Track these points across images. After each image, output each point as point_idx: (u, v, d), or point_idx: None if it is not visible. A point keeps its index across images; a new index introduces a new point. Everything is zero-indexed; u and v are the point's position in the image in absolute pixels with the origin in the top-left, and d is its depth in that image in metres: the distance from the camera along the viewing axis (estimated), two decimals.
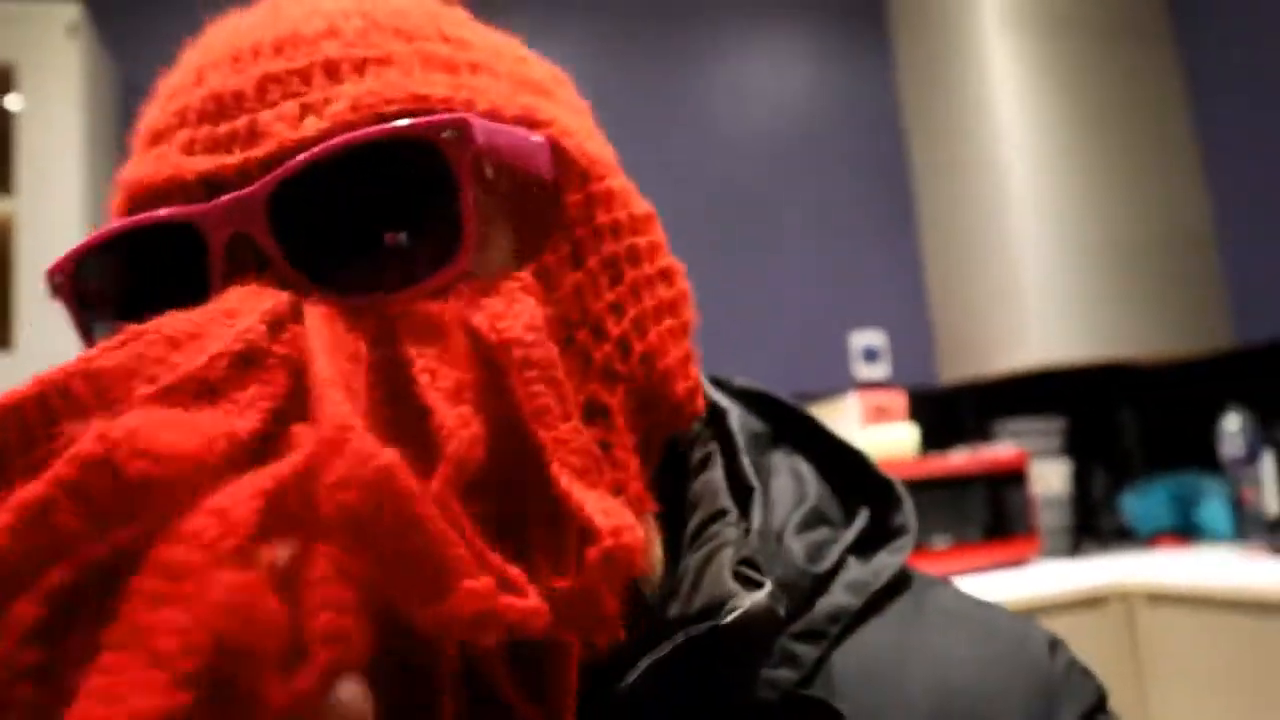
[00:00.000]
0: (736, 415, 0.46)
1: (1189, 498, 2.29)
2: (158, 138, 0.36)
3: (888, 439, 2.17)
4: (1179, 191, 2.50)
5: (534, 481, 0.29)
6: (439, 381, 0.29)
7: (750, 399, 0.49)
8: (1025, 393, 2.56)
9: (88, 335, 0.36)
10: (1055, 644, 0.44)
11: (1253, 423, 2.08)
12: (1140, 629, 1.86)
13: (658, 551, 0.39)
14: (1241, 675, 1.68)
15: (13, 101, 1.86)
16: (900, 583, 0.44)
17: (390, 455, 0.23)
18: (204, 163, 0.34)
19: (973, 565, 2.06)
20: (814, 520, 0.44)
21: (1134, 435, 2.65)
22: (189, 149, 0.34)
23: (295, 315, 0.29)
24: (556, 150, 0.37)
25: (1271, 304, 2.36)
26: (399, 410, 0.28)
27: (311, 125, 0.33)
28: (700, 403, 0.41)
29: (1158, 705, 1.82)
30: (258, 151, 0.33)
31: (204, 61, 0.37)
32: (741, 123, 2.67)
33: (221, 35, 0.38)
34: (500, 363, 0.31)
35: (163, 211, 0.33)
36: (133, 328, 0.27)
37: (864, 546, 0.45)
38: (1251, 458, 2.05)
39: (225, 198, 0.32)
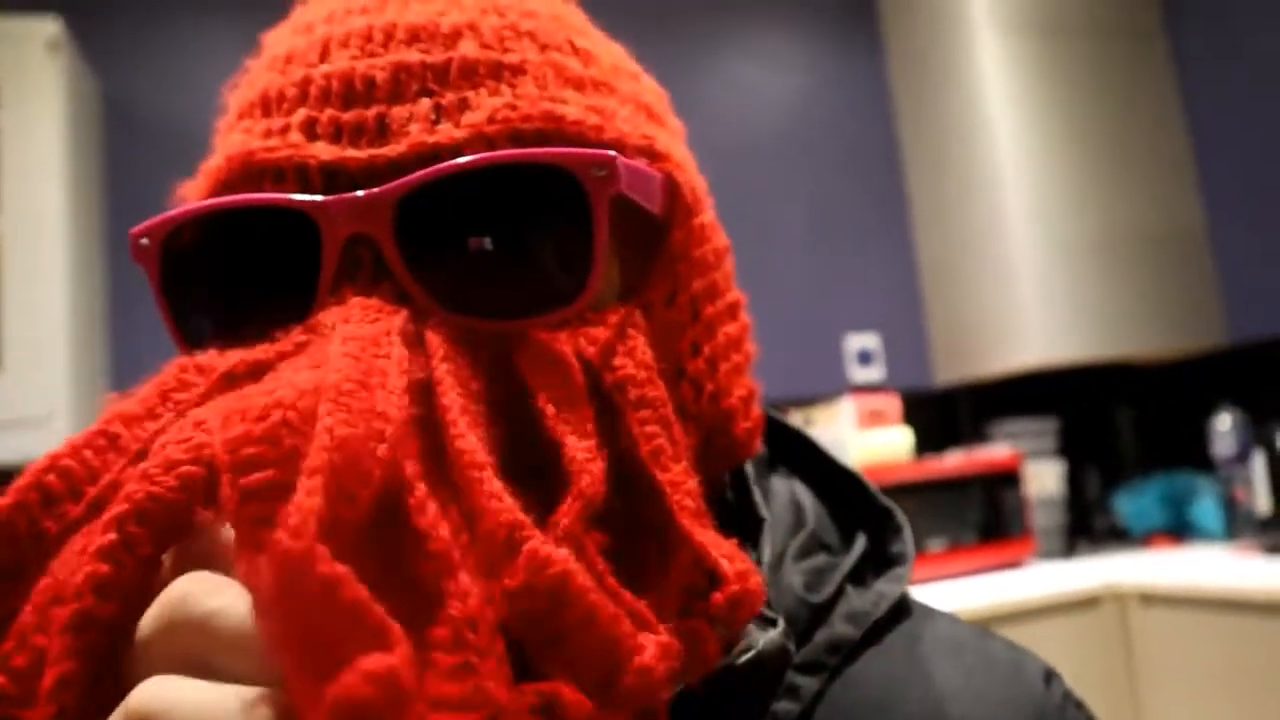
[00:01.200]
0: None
1: (1182, 497, 2.29)
2: (272, 106, 0.35)
3: (882, 443, 2.17)
4: (1171, 191, 2.50)
5: (650, 523, 0.29)
6: (564, 414, 0.29)
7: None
8: (1019, 393, 2.56)
9: (169, 305, 0.35)
10: (1051, 675, 0.44)
11: (1244, 422, 2.08)
12: (1133, 630, 1.86)
13: None
14: (1234, 675, 1.67)
15: None
16: (899, 612, 0.44)
17: (564, 558, 0.23)
18: (327, 150, 0.33)
19: (968, 568, 2.06)
20: (812, 547, 0.44)
21: (1128, 435, 2.65)
22: (309, 130, 0.33)
23: (420, 337, 0.29)
24: (670, 184, 0.36)
25: (1263, 303, 2.36)
26: (522, 444, 0.28)
27: (446, 132, 0.32)
28: (756, 444, 0.41)
29: (1151, 706, 1.82)
30: (388, 151, 0.32)
31: (329, 32, 0.35)
32: (734, 125, 2.67)
33: (344, 2, 0.36)
34: (617, 402, 0.31)
35: (280, 196, 0.32)
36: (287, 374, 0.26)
37: (862, 573, 0.45)
38: (1243, 457, 2.05)
39: (351, 195, 0.31)
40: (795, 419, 2.25)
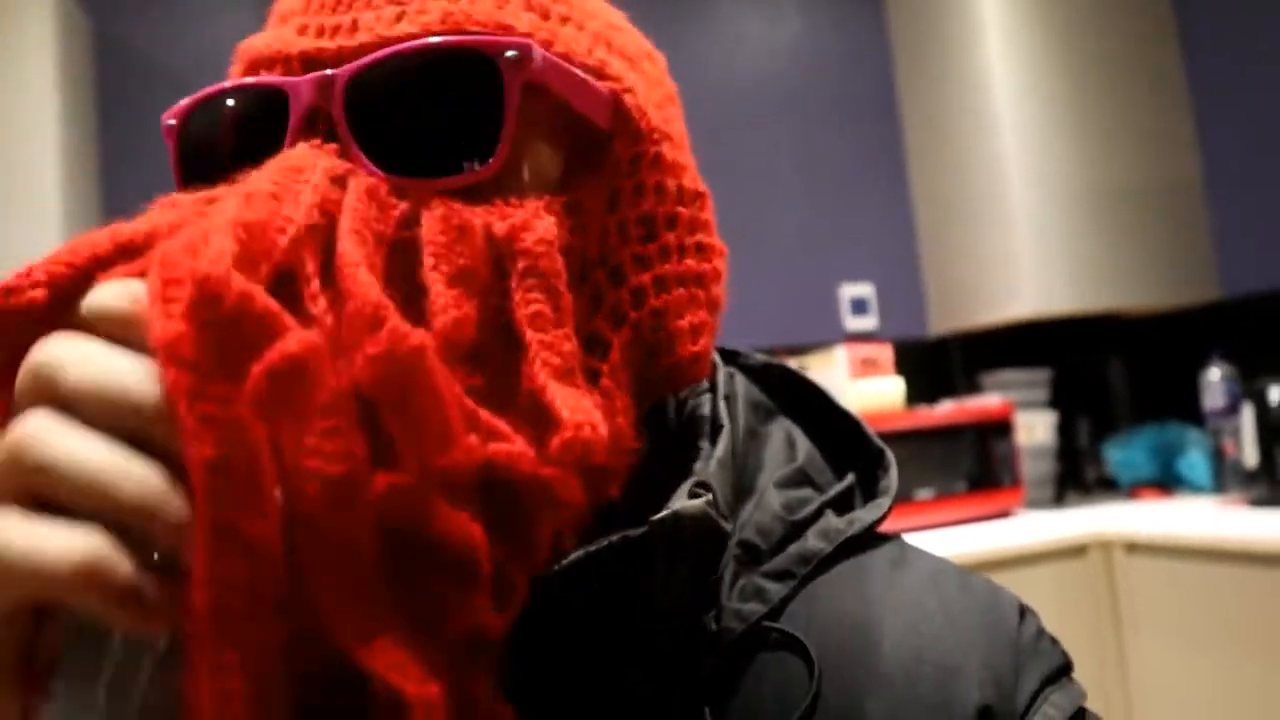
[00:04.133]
0: (741, 384, 0.49)
1: (1171, 449, 2.31)
2: (284, 17, 0.42)
3: (875, 392, 2.18)
4: (1168, 144, 2.49)
5: (519, 374, 0.33)
6: (441, 266, 0.33)
7: (764, 373, 0.52)
8: (1013, 344, 2.57)
9: (181, 172, 0.41)
10: (1025, 610, 0.46)
11: (1235, 375, 2.10)
12: (1118, 578, 1.89)
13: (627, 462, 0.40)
14: (1216, 623, 1.71)
15: None
16: (879, 538, 0.46)
17: (421, 336, 0.28)
18: (308, 43, 0.39)
19: (958, 516, 2.09)
20: (798, 480, 0.46)
21: (1119, 386, 2.67)
22: (302, 31, 0.40)
23: (343, 181, 0.34)
24: (616, 103, 0.41)
25: (1257, 258, 2.37)
26: (403, 286, 0.32)
27: (401, 29, 0.38)
28: (702, 371, 0.44)
29: (1134, 651, 1.86)
30: (352, 41, 0.39)
31: None
32: (732, 73, 2.65)
33: None
34: (506, 267, 0.35)
35: (262, 78, 0.39)
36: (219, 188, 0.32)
37: (846, 505, 0.47)
38: (1232, 410, 2.07)
39: (313, 75, 0.38)
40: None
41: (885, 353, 2.26)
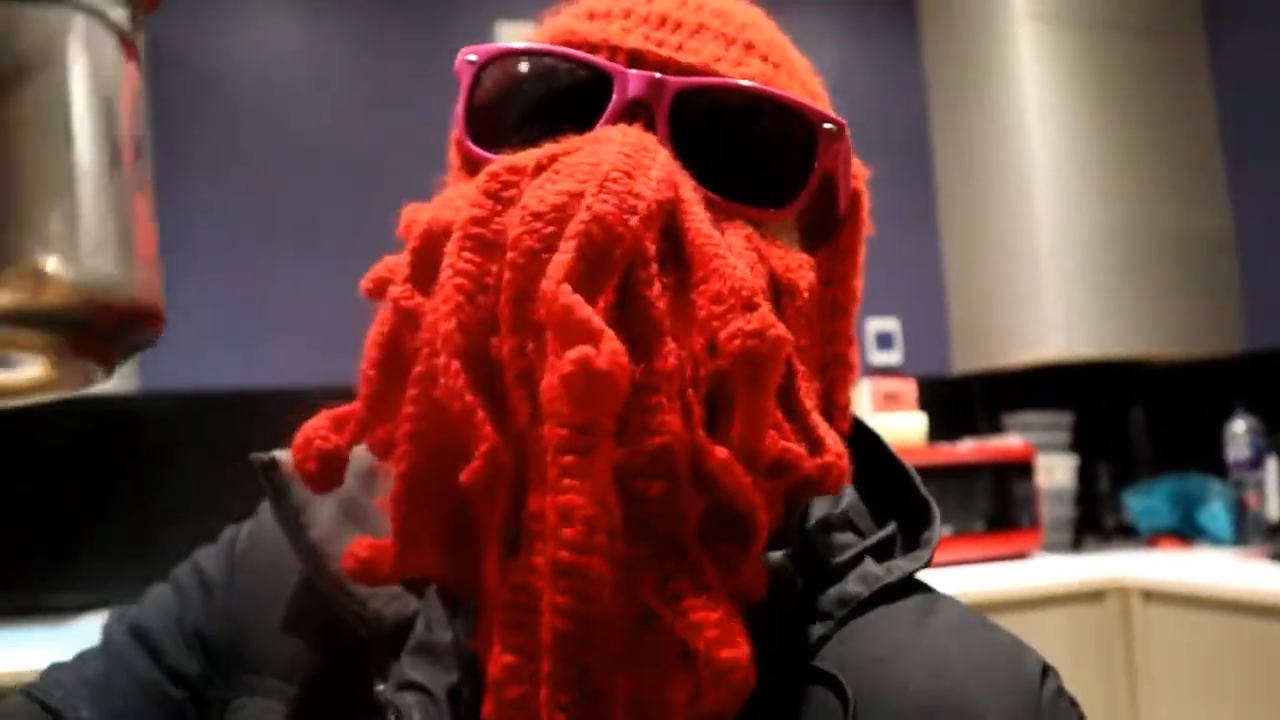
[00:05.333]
0: None
1: (1191, 499, 2.29)
2: (596, 14, 0.45)
3: (897, 426, 2.18)
4: (1201, 194, 2.49)
5: (785, 395, 0.37)
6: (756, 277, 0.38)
7: None
8: (1036, 386, 2.57)
9: (470, 108, 0.44)
10: (1048, 669, 0.46)
11: (1259, 428, 2.09)
12: (1135, 625, 1.87)
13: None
14: (1231, 675, 1.69)
15: None
16: (915, 587, 0.48)
17: (785, 329, 0.34)
18: (638, 42, 0.43)
19: (974, 556, 2.08)
20: (841, 524, 0.48)
21: (1141, 434, 2.65)
22: (627, 31, 0.44)
23: (675, 168, 0.38)
24: (855, 199, 0.48)
25: None
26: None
27: (726, 69, 0.43)
28: (846, 426, 0.48)
29: (1148, 701, 1.84)
30: (682, 57, 0.43)
31: None
32: None
33: None
34: (783, 300, 0.40)
35: (592, 57, 0.42)
36: (567, 152, 0.37)
37: (885, 553, 0.48)
38: (1256, 462, 2.05)
39: (647, 72, 0.41)
40: None
41: (909, 388, 2.26)
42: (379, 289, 0.40)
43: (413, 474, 0.34)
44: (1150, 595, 1.86)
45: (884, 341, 2.66)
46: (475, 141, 0.44)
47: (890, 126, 2.78)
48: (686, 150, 0.40)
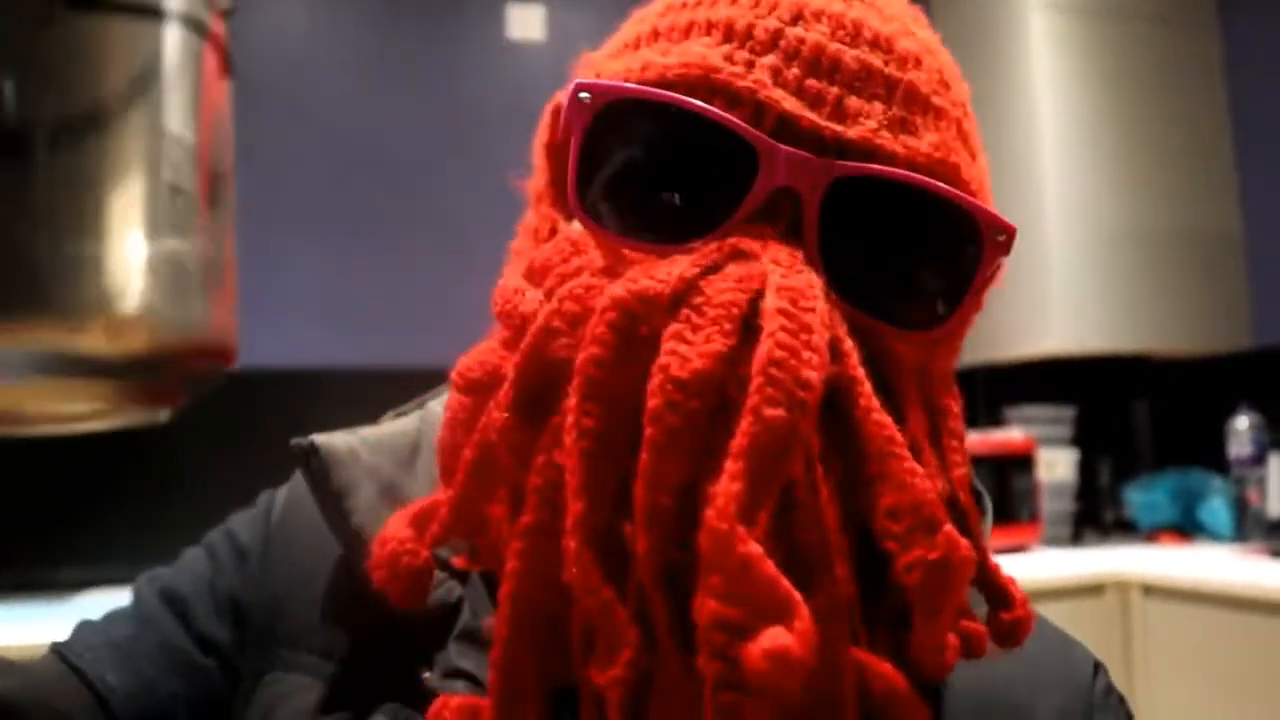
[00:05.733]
0: None
1: (1193, 494, 2.29)
2: (738, 36, 0.37)
3: None
4: (1210, 189, 2.48)
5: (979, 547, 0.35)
6: (919, 424, 0.35)
7: None
8: (1039, 379, 2.56)
9: (581, 164, 0.38)
10: (1099, 665, 0.46)
11: (1262, 425, 2.08)
12: (1134, 620, 1.87)
13: None
14: (1230, 670, 1.69)
15: None
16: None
17: (969, 545, 0.30)
18: (790, 102, 0.36)
19: None
20: None
21: (1143, 429, 2.65)
22: (775, 76, 0.36)
23: (832, 302, 0.33)
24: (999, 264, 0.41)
25: None
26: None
27: (890, 142, 0.36)
28: None
29: (1146, 694, 1.84)
30: (843, 129, 0.36)
31: (805, 1, 0.38)
32: None
33: None
34: (937, 424, 0.37)
35: (743, 125, 0.35)
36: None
37: None
38: (1258, 459, 2.05)
39: (803, 152, 0.35)
40: None
41: None
42: (472, 391, 0.36)
43: (514, 642, 0.31)
44: (1150, 590, 1.85)
45: None
46: (587, 209, 0.37)
47: None
48: (841, 257, 0.35)
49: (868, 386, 0.32)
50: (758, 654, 0.26)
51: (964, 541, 0.30)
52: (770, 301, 0.31)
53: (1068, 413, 2.45)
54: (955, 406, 0.41)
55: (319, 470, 0.44)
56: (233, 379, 1.86)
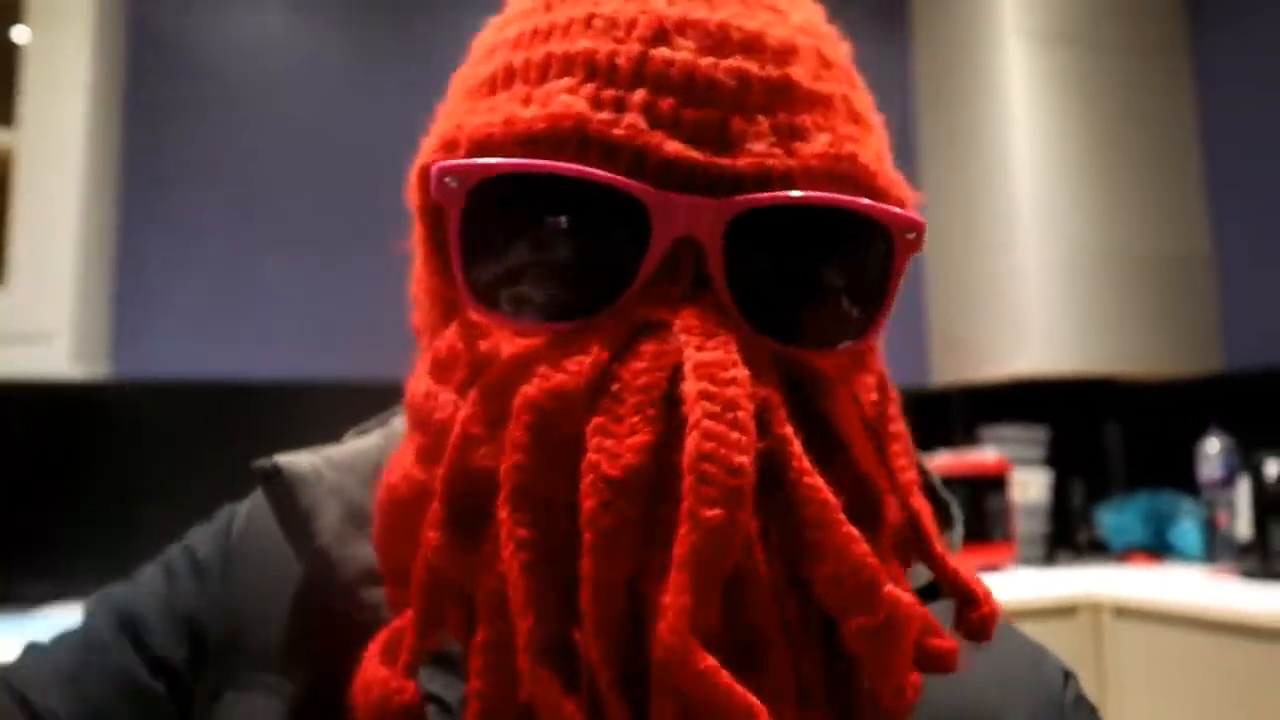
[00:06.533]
0: None
1: (1164, 516, 2.31)
2: (601, 73, 0.34)
3: None
4: (1181, 213, 2.51)
5: (910, 544, 0.34)
6: (861, 449, 0.33)
7: None
8: (1013, 400, 2.58)
9: (466, 254, 0.34)
10: (1069, 674, 0.46)
11: (1233, 447, 2.10)
12: (1106, 641, 1.88)
13: None
14: (1202, 692, 1.70)
15: (19, 34, 1.84)
16: (937, 591, 0.46)
17: (910, 602, 0.30)
18: (671, 145, 0.33)
19: None
20: None
21: (1116, 450, 2.67)
22: (650, 115, 0.33)
23: (752, 361, 0.31)
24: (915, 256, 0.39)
25: (1262, 332, 2.38)
26: (830, 465, 0.32)
27: (782, 159, 0.34)
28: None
29: (1117, 715, 1.85)
30: (732, 162, 0.33)
31: (663, 12, 0.35)
32: None
33: None
34: (879, 435, 0.35)
35: (625, 180, 0.32)
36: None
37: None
38: (1228, 482, 2.07)
39: (693, 197, 0.32)
40: None
41: None
42: (398, 512, 0.35)
43: None
44: (1122, 611, 1.86)
45: None
46: (485, 300, 0.34)
47: None
48: (753, 297, 0.33)
49: (797, 446, 0.30)
50: None
51: (905, 598, 0.30)
52: (690, 386, 0.29)
53: (1041, 434, 2.47)
54: (894, 409, 0.39)
55: (283, 491, 0.43)
56: (208, 390, 1.84)
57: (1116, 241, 2.42)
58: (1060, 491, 2.46)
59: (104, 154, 2.01)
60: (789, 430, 0.30)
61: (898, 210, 0.36)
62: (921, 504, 0.35)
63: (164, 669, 0.46)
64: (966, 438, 2.57)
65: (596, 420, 0.30)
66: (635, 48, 0.34)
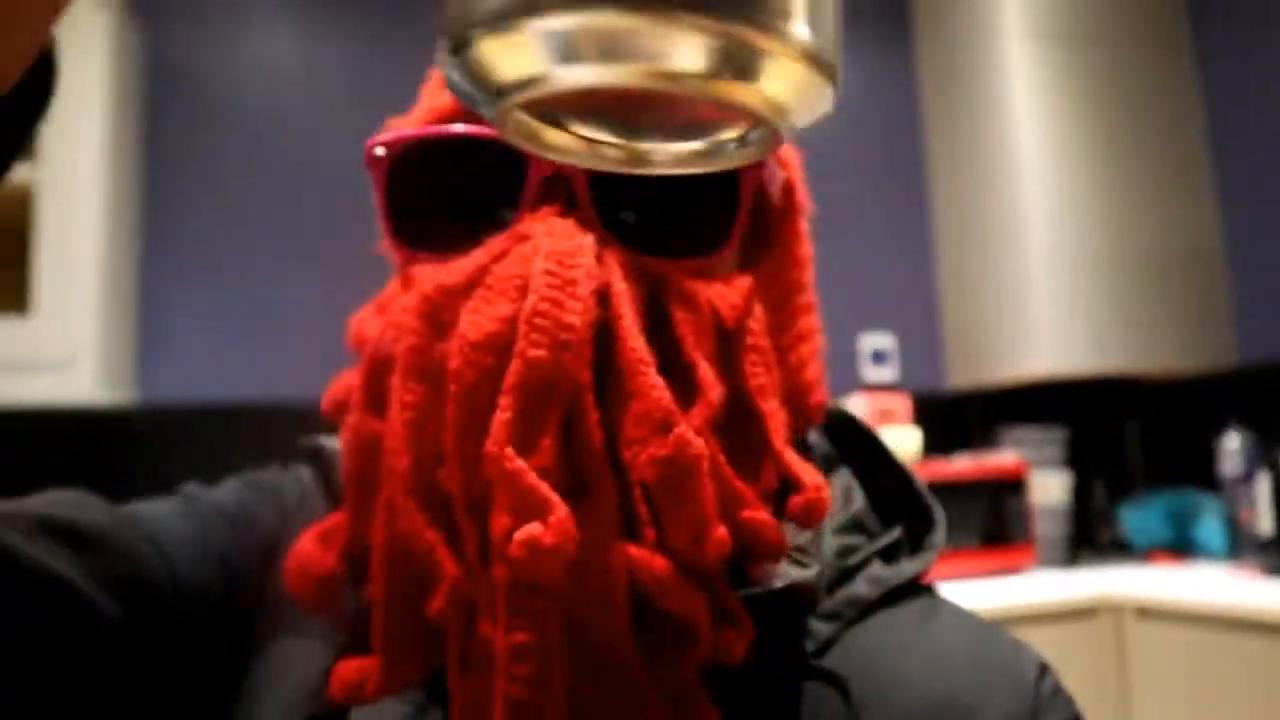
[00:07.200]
0: (813, 436, 0.53)
1: (1186, 514, 2.30)
2: None
3: (891, 442, 2.18)
4: (1191, 209, 2.50)
5: (750, 441, 0.39)
6: (701, 345, 0.38)
7: (832, 420, 0.54)
8: (1031, 402, 2.57)
9: (390, 207, 0.43)
10: (1045, 667, 0.47)
11: (1252, 443, 2.09)
12: (1128, 642, 1.87)
13: None
14: (1225, 692, 1.69)
15: None
16: (920, 590, 0.49)
17: (701, 445, 0.34)
18: None
19: (967, 571, 2.08)
20: (851, 527, 0.49)
21: (1135, 449, 2.66)
22: None
23: (602, 258, 0.38)
24: (789, 186, 0.47)
25: (1277, 325, 2.37)
26: (666, 358, 0.37)
27: None
28: (820, 416, 0.49)
29: (1140, 717, 1.84)
30: None
31: None
32: None
33: None
34: (735, 344, 0.40)
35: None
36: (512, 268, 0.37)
37: (895, 554, 0.50)
38: (1249, 477, 2.06)
39: None
40: None
41: (902, 403, 2.27)
42: (337, 411, 0.41)
43: (389, 602, 0.36)
44: (1144, 611, 1.86)
45: (879, 357, 2.67)
46: (404, 240, 0.43)
47: (885, 146, 2.80)
48: (613, 216, 0.40)
49: (627, 320, 0.36)
50: (514, 545, 0.31)
51: (697, 441, 0.34)
52: (538, 265, 0.36)
53: (1059, 434, 2.47)
54: (757, 326, 0.42)
55: (327, 470, 0.49)
56: (234, 413, 1.85)
57: (1128, 240, 2.42)
58: (1081, 492, 2.46)
59: (124, 183, 2.05)
60: (625, 309, 0.36)
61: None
62: (772, 409, 0.39)
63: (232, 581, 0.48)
64: (984, 441, 2.57)
65: (469, 304, 0.36)
66: None
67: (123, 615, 0.43)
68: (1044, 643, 1.92)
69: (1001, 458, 2.27)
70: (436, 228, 0.42)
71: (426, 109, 0.45)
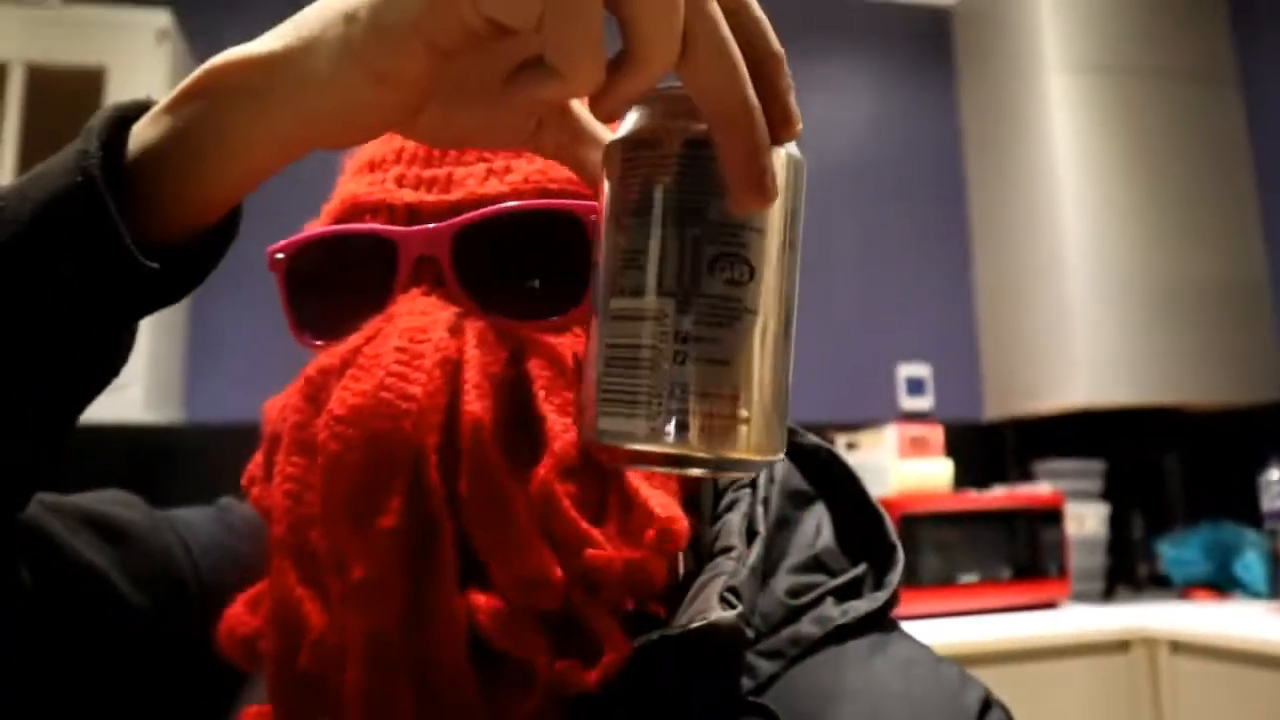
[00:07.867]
0: (781, 471, 0.53)
1: (1227, 549, 2.26)
2: (375, 166, 0.48)
3: (922, 472, 2.19)
4: (1234, 241, 2.48)
5: (612, 480, 0.42)
6: (551, 398, 0.41)
7: (812, 455, 0.55)
8: (1068, 434, 2.56)
9: (291, 303, 0.48)
10: (991, 703, 0.47)
11: None
12: (1161, 677, 1.86)
13: (680, 570, 0.46)
14: None
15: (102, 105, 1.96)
16: (869, 626, 0.49)
17: (515, 499, 0.38)
18: (410, 196, 0.46)
19: (1000, 604, 2.07)
20: (812, 565, 0.50)
21: (1175, 482, 2.63)
22: (399, 181, 0.47)
23: (459, 328, 0.42)
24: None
25: None
26: (521, 413, 0.41)
27: (493, 186, 0.45)
28: None
29: None
30: (451, 196, 0.45)
31: None
32: (800, 150, 2.70)
33: None
34: None
35: (374, 225, 0.45)
36: (364, 344, 0.41)
37: (852, 593, 0.50)
38: None
39: (421, 227, 0.44)
40: (839, 442, 2.26)
41: (935, 433, 2.27)
42: (249, 485, 0.46)
43: (275, 655, 0.40)
44: (1178, 646, 1.84)
45: (915, 387, 2.67)
46: (304, 330, 0.48)
47: (925, 176, 2.81)
48: (476, 287, 0.43)
49: (469, 386, 0.40)
50: (353, 636, 0.37)
51: (516, 494, 0.38)
52: (392, 343, 0.40)
53: (1097, 466, 2.45)
54: None
55: None
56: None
57: (1168, 270, 2.40)
58: (1119, 525, 2.43)
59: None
60: (470, 375, 0.40)
61: (575, 202, 0.44)
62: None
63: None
64: (1021, 472, 2.56)
65: (341, 382, 0.40)
66: (396, 143, 0.48)
67: (149, 607, 0.49)
68: (1074, 676, 1.90)
69: (1036, 489, 2.26)
70: (332, 316, 0.46)
71: (337, 200, 0.49)
